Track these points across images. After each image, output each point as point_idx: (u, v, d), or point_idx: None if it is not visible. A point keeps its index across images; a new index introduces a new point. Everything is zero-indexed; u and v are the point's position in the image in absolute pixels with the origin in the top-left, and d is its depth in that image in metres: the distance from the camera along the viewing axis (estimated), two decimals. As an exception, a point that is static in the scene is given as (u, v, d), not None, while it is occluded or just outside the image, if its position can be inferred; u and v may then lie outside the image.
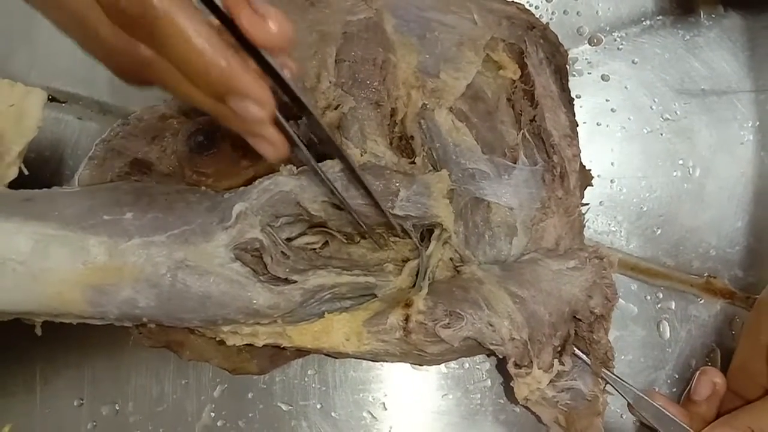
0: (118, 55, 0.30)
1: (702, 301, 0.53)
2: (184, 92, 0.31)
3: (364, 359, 0.48)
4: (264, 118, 0.31)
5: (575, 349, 0.42)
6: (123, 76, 0.32)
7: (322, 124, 0.36)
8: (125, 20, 0.29)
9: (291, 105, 0.34)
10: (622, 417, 0.51)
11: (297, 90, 0.32)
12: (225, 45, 0.29)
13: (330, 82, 0.45)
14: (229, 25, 0.29)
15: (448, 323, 0.39)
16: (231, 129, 0.33)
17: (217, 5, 0.29)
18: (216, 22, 0.30)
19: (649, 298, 0.53)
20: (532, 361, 0.40)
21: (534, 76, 0.46)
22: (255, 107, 0.31)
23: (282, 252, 0.42)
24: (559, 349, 0.41)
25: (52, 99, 0.55)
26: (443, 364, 0.51)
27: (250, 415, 0.51)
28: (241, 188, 0.42)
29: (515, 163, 0.45)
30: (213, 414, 0.51)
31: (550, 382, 0.41)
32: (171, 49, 0.29)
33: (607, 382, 0.43)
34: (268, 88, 0.31)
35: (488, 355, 0.50)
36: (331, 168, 0.42)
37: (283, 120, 0.33)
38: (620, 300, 0.53)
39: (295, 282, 0.41)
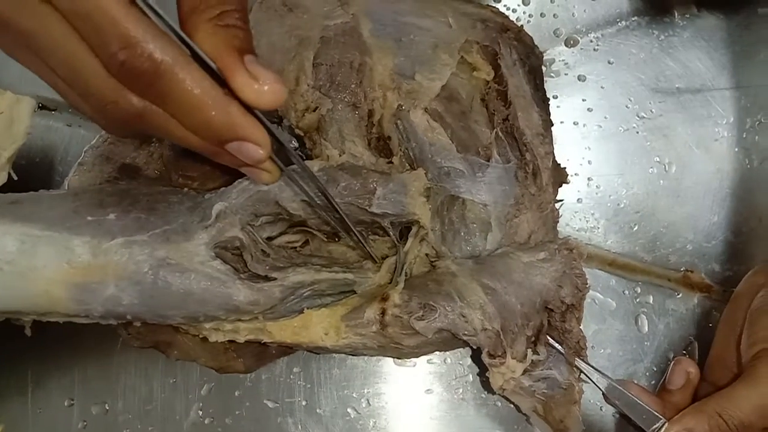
0: (108, 106, 0.31)
1: (679, 295, 0.54)
2: (178, 137, 0.32)
3: (343, 353, 0.49)
4: (263, 158, 0.32)
5: (549, 338, 0.43)
6: (111, 126, 0.33)
7: (296, 159, 0.38)
8: (125, 74, 0.29)
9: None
10: (601, 410, 0.52)
11: (274, 130, 0.33)
12: (224, 95, 0.30)
13: (308, 85, 0.46)
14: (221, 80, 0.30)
15: (422, 315, 0.41)
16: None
17: (211, 67, 0.30)
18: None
19: (627, 292, 0.54)
20: (505, 351, 0.41)
21: (507, 76, 0.47)
22: (254, 149, 0.32)
23: (262, 250, 0.43)
24: (533, 339, 0.42)
25: (42, 107, 0.57)
26: (426, 361, 0.52)
27: (237, 412, 0.52)
28: (222, 188, 0.43)
29: (489, 161, 0.46)
30: (201, 412, 0.52)
31: (526, 371, 0.42)
32: (172, 102, 0.30)
33: (581, 371, 0.44)
34: (265, 130, 0.32)
35: (463, 346, 0.51)
36: (311, 168, 0.44)
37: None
38: (599, 295, 0.54)
39: (275, 279, 0.42)
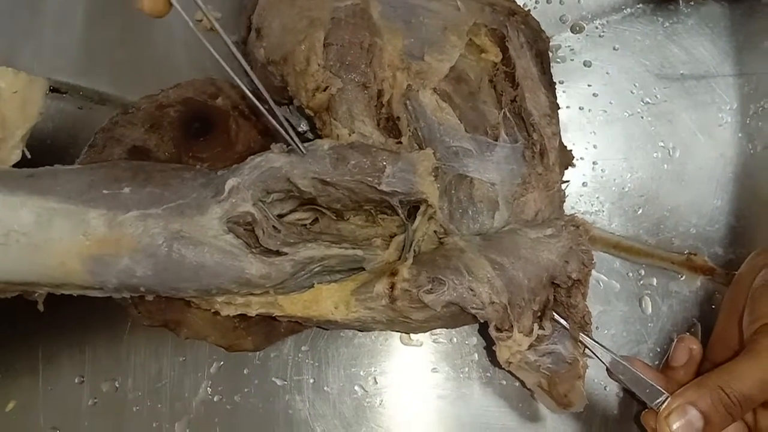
0: None
1: (683, 278, 0.55)
2: None
3: (353, 328, 0.50)
4: None
5: (554, 314, 0.44)
6: None
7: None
8: None
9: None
10: (605, 389, 0.52)
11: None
12: None
13: (318, 65, 0.46)
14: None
15: (431, 289, 0.41)
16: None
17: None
18: None
19: (631, 275, 0.55)
20: (512, 325, 0.42)
21: (515, 59, 0.48)
22: None
23: (273, 226, 0.43)
24: (539, 314, 0.43)
25: (53, 90, 0.57)
26: (432, 340, 0.53)
27: (245, 390, 0.52)
28: (234, 165, 0.44)
29: (497, 140, 0.47)
30: (210, 390, 0.52)
31: (531, 346, 0.42)
32: None
33: (586, 346, 0.45)
34: None
35: (471, 322, 0.52)
36: (320, 147, 0.45)
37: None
38: (603, 277, 0.55)
39: (286, 254, 0.43)
